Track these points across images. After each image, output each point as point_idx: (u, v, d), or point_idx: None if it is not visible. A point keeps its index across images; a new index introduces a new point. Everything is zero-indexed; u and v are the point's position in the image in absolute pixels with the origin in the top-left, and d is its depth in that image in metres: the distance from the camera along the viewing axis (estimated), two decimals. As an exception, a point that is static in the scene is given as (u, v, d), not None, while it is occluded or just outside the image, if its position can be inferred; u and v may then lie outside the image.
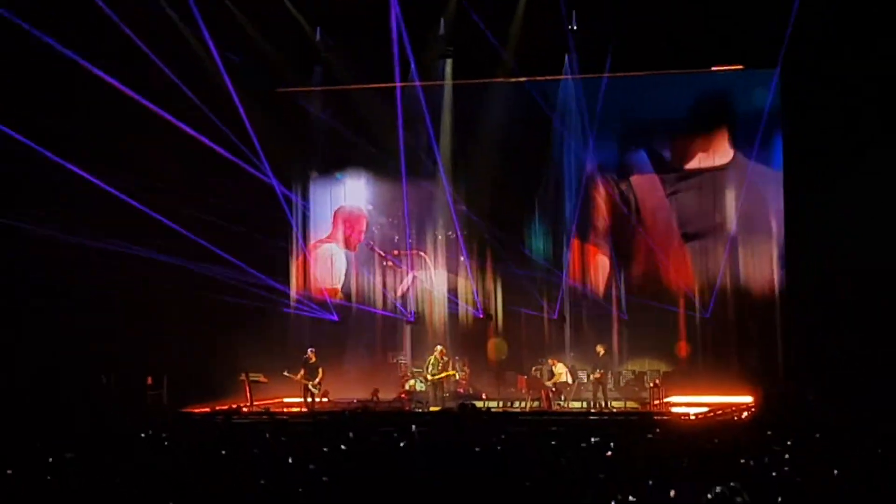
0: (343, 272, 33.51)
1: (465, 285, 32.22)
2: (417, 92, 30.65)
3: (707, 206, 30.07)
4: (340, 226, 33.73)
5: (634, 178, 30.72)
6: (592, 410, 27.22)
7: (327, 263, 33.53)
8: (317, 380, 28.32)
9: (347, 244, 33.69)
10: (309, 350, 28.75)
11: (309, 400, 28.26)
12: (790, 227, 28.71)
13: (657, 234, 30.32)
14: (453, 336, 31.14)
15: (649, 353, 29.88)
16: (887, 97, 26.09)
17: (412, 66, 30.22)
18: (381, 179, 33.19)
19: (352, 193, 33.79)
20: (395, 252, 33.24)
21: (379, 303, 32.87)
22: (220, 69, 28.55)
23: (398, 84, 30.37)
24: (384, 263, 33.33)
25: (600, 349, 28.36)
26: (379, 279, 33.13)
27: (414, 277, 33.03)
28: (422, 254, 33.00)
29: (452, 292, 32.22)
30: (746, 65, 29.17)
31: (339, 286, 33.36)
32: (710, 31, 27.70)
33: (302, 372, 28.34)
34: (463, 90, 31.16)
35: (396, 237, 33.44)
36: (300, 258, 33.05)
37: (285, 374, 28.38)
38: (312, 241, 33.50)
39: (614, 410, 27.49)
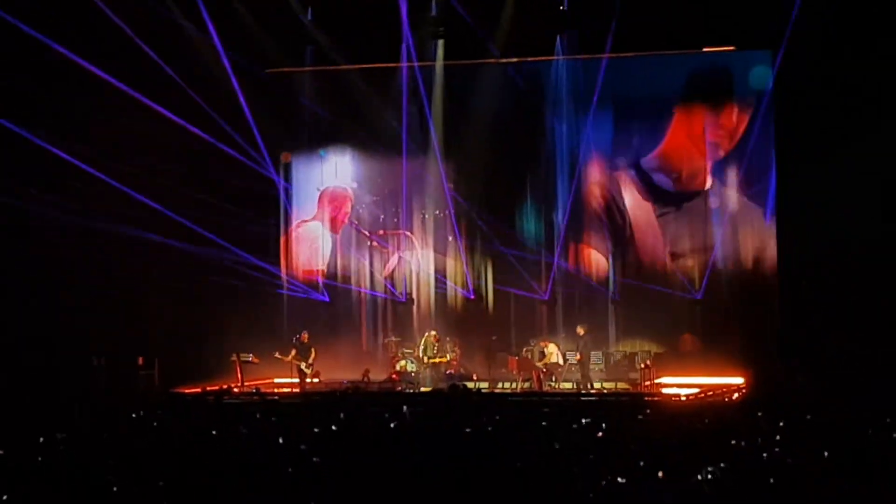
0: (328, 253, 33.14)
1: (454, 266, 31.95)
2: (414, 72, 30.63)
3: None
4: (326, 207, 33.25)
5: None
6: (581, 391, 27.26)
7: (312, 244, 33.12)
8: (310, 360, 28.40)
9: (332, 225, 33.22)
10: (302, 332, 28.84)
11: (302, 380, 28.31)
12: (782, 206, 28.68)
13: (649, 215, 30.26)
14: (443, 317, 31.07)
15: (640, 334, 29.86)
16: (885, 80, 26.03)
17: (408, 44, 30.06)
18: (367, 156, 32.77)
19: (335, 171, 33.31)
20: (381, 232, 32.86)
21: (365, 283, 32.54)
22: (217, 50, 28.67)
23: (403, 64, 30.51)
24: (369, 244, 33.00)
25: (580, 330, 28.31)
26: (364, 260, 32.76)
27: (400, 258, 32.69)
28: (408, 234, 32.61)
29: (441, 273, 31.98)
30: (739, 46, 29.12)
31: (323, 268, 32.95)
32: (701, 11, 27.66)
33: (293, 353, 28.39)
34: (454, 71, 30.95)
35: (382, 216, 33.01)
36: (283, 239, 32.80)
37: (276, 355, 28.42)
38: (296, 222, 33.12)
39: (605, 392, 27.54)
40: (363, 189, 33.13)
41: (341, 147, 32.94)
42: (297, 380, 28.45)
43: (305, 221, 33.31)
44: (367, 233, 32.93)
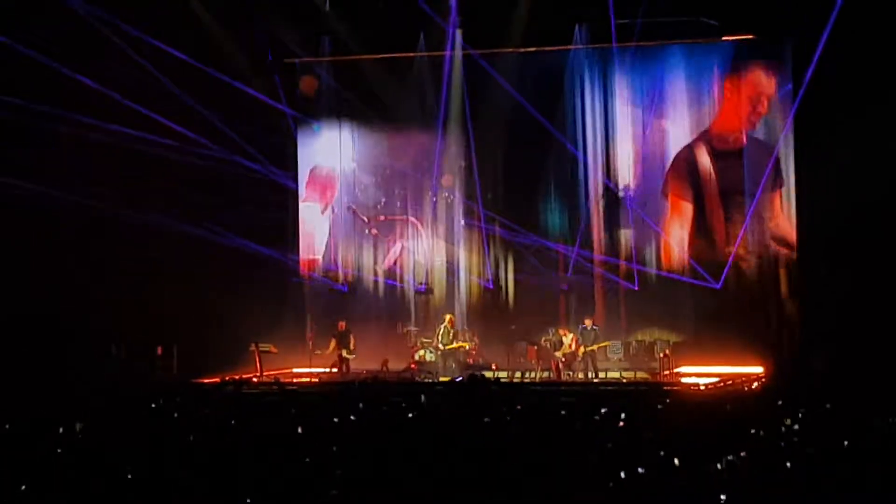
0: (324, 238, 32.38)
1: (468, 255, 31.50)
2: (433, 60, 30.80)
3: (730, 172, 29.78)
4: (316, 188, 32.53)
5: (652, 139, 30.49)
6: (596, 381, 27.23)
7: (307, 227, 32.54)
8: (350, 346, 28.79)
9: (323, 208, 32.49)
10: (338, 322, 29.14)
11: (344, 369, 28.63)
12: (802, 195, 28.60)
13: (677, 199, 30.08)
14: (461, 306, 30.98)
15: (659, 323, 29.81)
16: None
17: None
18: (368, 132, 32.12)
19: (331, 149, 32.44)
20: (382, 217, 32.12)
21: (369, 273, 32.04)
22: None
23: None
24: (368, 231, 32.17)
25: (588, 322, 28.23)
26: (366, 248, 32.03)
27: (403, 247, 32.04)
28: (412, 220, 31.95)
29: (451, 262, 31.54)
30: (757, 34, 29.02)
31: (319, 256, 32.31)
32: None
33: (333, 343, 28.74)
34: (473, 59, 30.63)
35: (384, 200, 32.19)
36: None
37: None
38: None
39: (624, 381, 27.51)
40: (363, 168, 32.33)
41: (336, 121, 32.26)
42: (323, 369, 28.52)
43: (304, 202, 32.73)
44: (365, 218, 32.14)
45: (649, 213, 30.12)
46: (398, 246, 32.00)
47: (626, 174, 30.29)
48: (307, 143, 32.51)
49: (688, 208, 29.94)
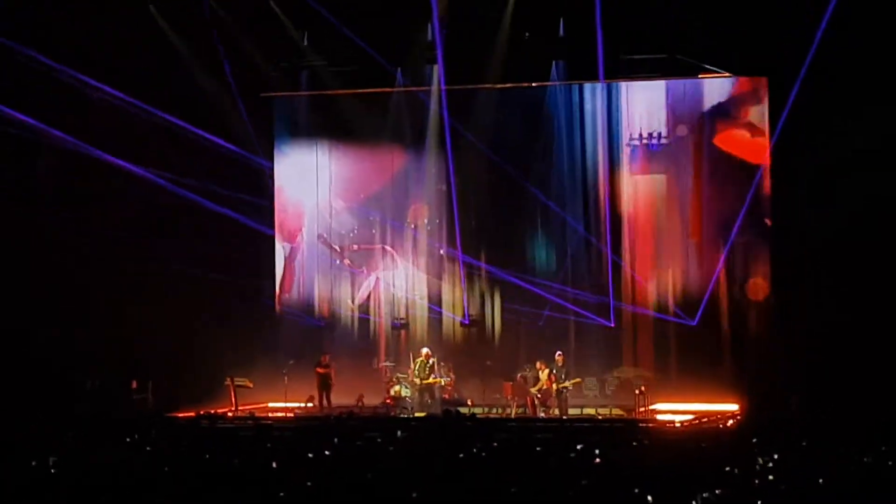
0: (298, 270, 31.38)
1: (447, 288, 30.96)
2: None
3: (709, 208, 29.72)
4: (278, 214, 31.38)
5: (633, 178, 30.32)
6: (572, 417, 27.16)
7: (281, 259, 31.64)
8: (330, 381, 28.48)
9: (287, 235, 31.36)
10: (322, 356, 28.88)
11: (325, 403, 28.31)
12: (777, 234, 28.67)
13: (653, 238, 30.01)
14: (437, 341, 30.72)
15: (634, 360, 29.80)
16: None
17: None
18: (342, 152, 31.33)
19: (303, 170, 31.28)
20: (355, 247, 31.24)
21: (341, 306, 31.27)
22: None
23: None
24: (339, 262, 31.16)
25: (559, 359, 28.13)
26: (338, 281, 31.03)
27: (377, 279, 31.16)
28: (387, 248, 30.98)
29: (433, 300, 30.96)
30: (734, 73, 29.15)
31: (293, 289, 31.37)
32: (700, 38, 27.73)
33: (318, 381, 28.49)
34: (454, 94, 30.17)
35: (356, 227, 31.07)
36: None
37: (308, 403, 28.51)
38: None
39: (599, 417, 27.48)
40: (335, 194, 31.45)
41: (309, 140, 31.51)
42: (298, 404, 28.42)
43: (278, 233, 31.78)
44: (337, 248, 31.23)
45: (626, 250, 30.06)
46: (372, 278, 31.18)
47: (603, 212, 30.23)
48: (280, 170, 31.69)
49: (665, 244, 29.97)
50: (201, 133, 28.92)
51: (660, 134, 29.75)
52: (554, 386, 27.48)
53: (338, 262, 31.41)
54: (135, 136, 27.92)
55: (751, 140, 29.25)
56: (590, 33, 27.99)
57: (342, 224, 31.43)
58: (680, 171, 29.82)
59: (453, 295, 31.02)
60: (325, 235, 31.42)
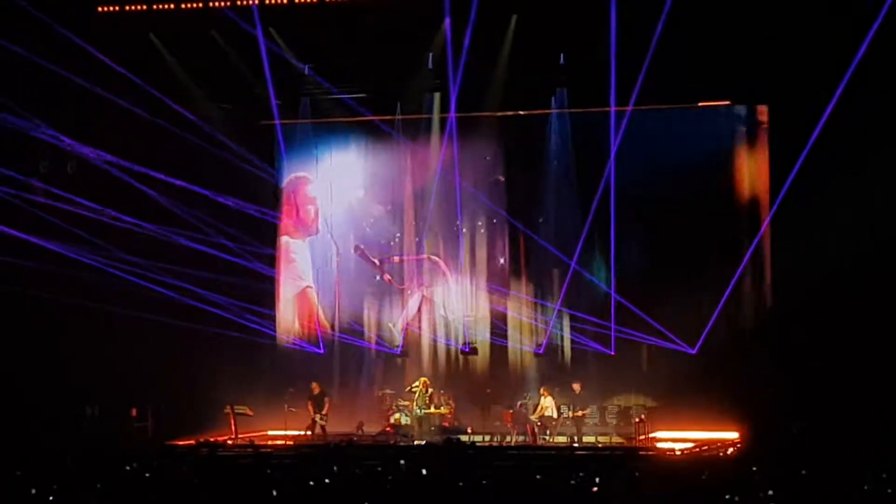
0: (308, 270, 28.64)
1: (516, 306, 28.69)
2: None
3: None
4: (293, 207, 29.05)
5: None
6: (576, 445, 27.13)
7: (286, 287, 29.74)
8: (324, 410, 28.37)
9: (305, 230, 28.87)
10: (312, 384, 28.69)
11: (318, 431, 28.23)
12: (777, 261, 28.64)
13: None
14: (438, 369, 30.50)
15: (635, 388, 29.75)
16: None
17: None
18: (377, 149, 28.83)
19: (334, 174, 28.74)
20: (396, 258, 28.88)
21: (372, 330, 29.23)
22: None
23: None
24: (378, 277, 28.77)
25: (576, 387, 28.19)
26: (374, 304, 28.41)
27: (423, 298, 28.66)
28: (434, 258, 28.29)
29: (497, 316, 28.65)
30: (734, 100, 29.13)
31: (295, 317, 29.27)
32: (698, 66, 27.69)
33: (309, 405, 28.39)
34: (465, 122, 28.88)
35: (398, 234, 28.28)
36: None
37: (291, 410, 28.41)
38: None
39: (599, 446, 27.45)
40: (372, 196, 29.08)
41: (342, 137, 29.37)
42: (298, 432, 28.33)
43: (281, 236, 29.65)
44: (375, 260, 28.75)
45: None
46: (416, 298, 28.58)
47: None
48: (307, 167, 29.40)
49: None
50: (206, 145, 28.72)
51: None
52: (570, 413, 27.56)
53: (377, 277, 29.61)
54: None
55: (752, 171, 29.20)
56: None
57: (381, 232, 29.04)
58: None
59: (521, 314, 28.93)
60: (361, 247, 29.40)
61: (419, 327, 28.70)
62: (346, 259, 28.97)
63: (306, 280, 29.22)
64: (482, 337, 28.99)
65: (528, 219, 29.22)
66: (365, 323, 29.28)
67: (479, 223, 28.24)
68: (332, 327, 29.76)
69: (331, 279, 29.01)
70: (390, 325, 29.27)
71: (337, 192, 29.29)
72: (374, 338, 29.15)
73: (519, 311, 29.62)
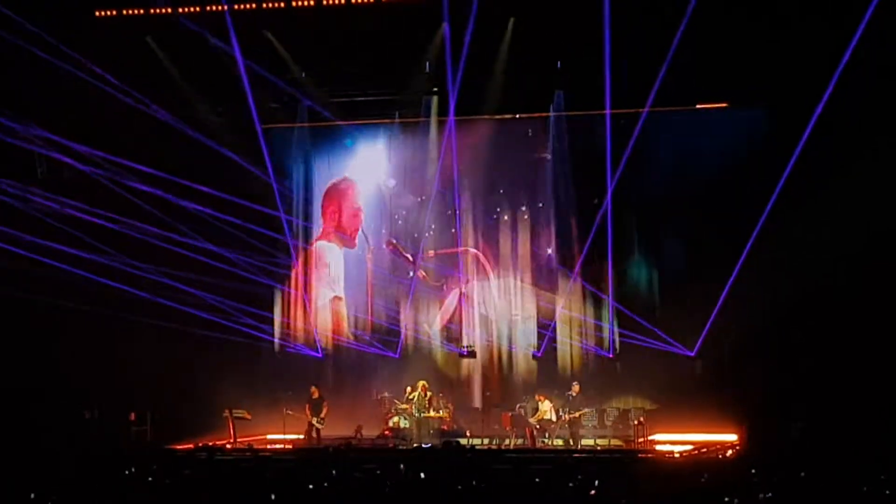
0: (340, 277, 27.14)
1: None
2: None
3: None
4: (337, 212, 27.72)
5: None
6: (573, 448, 27.11)
7: (324, 275, 28.44)
8: (321, 414, 28.29)
9: (346, 239, 27.63)
10: (311, 388, 28.64)
11: (314, 435, 28.15)
12: (776, 262, 28.63)
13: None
14: (435, 371, 30.41)
15: (634, 390, 29.73)
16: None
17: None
18: (406, 138, 27.34)
19: (364, 164, 27.08)
20: (432, 252, 27.34)
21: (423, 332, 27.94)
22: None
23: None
24: (411, 274, 27.12)
25: (575, 388, 28.16)
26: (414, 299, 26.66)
27: (462, 295, 26.96)
28: (474, 251, 26.62)
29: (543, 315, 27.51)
30: (732, 104, 29.12)
31: (292, 320, 28.38)
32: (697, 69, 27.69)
33: (307, 408, 28.35)
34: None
35: (432, 226, 26.59)
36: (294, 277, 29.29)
37: (289, 413, 28.36)
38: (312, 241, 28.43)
39: (598, 448, 27.43)
40: (403, 186, 27.67)
41: (373, 129, 27.82)
42: (297, 436, 28.30)
43: (318, 240, 28.66)
44: (409, 256, 27.43)
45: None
46: (453, 295, 26.92)
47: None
48: (337, 161, 28.26)
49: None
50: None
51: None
52: (568, 416, 27.50)
53: (410, 273, 28.42)
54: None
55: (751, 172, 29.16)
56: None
57: (413, 224, 27.40)
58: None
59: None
60: (394, 241, 28.15)
61: (458, 326, 27.34)
62: (379, 256, 27.85)
63: (336, 290, 28.41)
64: (530, 340, 27.94)
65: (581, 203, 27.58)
66: (401, 323, 28.11)
67: (523, 209, 26.97)
68: (366, 329, 28.75)
69: (363, 279, 27.94)
70: (426, 325, 28.23)
71: (364, 187, 28.06)
72: (438, 340, 27.83)
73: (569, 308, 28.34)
